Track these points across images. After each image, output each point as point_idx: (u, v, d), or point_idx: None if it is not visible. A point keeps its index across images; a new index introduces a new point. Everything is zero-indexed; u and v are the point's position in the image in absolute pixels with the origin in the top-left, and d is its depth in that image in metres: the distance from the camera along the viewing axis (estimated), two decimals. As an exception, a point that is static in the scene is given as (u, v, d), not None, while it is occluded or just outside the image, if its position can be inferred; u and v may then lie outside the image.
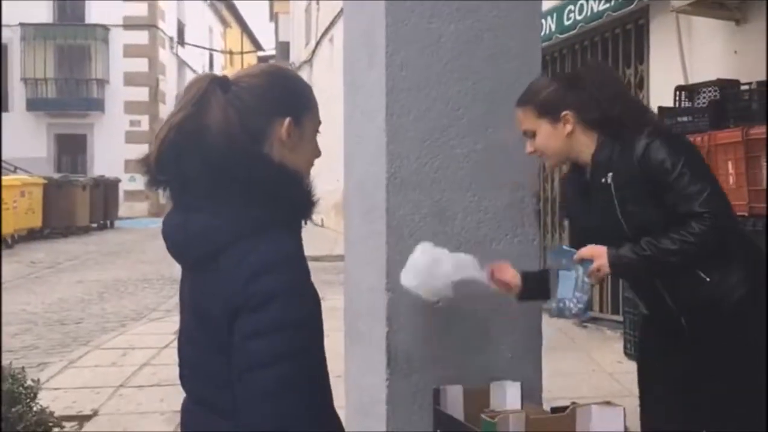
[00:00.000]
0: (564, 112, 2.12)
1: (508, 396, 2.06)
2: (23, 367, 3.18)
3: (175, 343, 1.45)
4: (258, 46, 42.79)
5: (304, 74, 23.34)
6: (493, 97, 2.29)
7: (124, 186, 21.22)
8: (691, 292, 2.02)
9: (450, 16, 2.26)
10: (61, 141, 26.01)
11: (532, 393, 2.16)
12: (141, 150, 1.35)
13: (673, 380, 2.12)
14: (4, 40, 24.74)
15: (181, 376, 1.44)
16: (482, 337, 2.26)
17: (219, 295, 1.27)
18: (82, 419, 4.35)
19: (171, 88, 26.85)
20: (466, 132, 2.26)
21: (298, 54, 26.29)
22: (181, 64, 29.74)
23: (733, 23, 5.14)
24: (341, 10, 3.43)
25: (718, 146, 4.26)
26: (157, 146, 1.31)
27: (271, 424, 1.21)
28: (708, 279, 1.99)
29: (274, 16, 31.32)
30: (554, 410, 1.90)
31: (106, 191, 19.82)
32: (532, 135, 2.16)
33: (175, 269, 1.44)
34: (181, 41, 30.07)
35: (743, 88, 4.58)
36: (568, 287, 2.12)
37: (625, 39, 6.38)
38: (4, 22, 23.32)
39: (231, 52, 37.84)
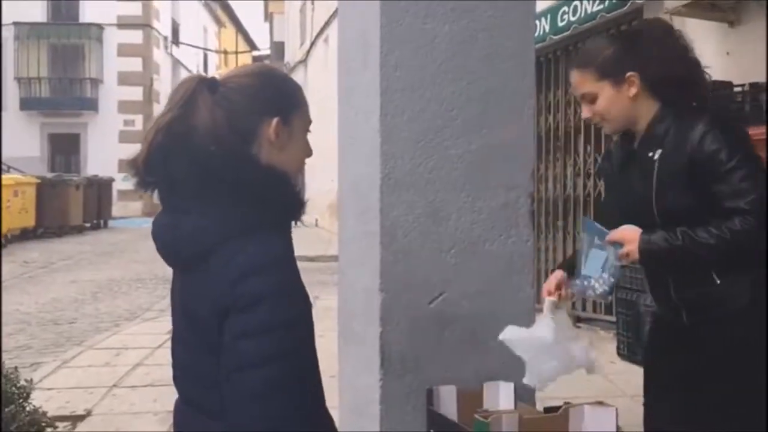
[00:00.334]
0: (629, 73, 2.02)
1: (502, 396, 2.06)
2: (16, 367, 3.17)
3: (169, 344, 1.45)
4: (253, 46, 42.74)
5: (298, 74, 23.35)
6: (488, 97, 2.29)
7: (118, 185, 21.18)
8: (698, 290, 1.98)
9: (444, 16, 2.26)
10: (54, 140, 25.94)
11: (525, 393, 2.16)
12: (135, 149, 1.35)
13: (675, 379, 2.09)
14: (-1, 39, 24.69)
15: (174, 377, 1.44)
16: (476, 337, 2.27)
17: (208, 295, 1.27)
18: (75, 419, 4.34)
19: (165, 87, 26.80)
20: (460, 133, 2.27)
21: (292, 54, 26.28)
22: (176, 63, 29.69)
23: (726, 25, 5.16)
24: (336, 10, 3.44)
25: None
26: (145, 148, 1.31)
27: (260, 425, 1.21)
28: (718, 281, 1.94)
29: (268, 16, 31.30)
30: (547, 410, 1.91)
31: (99, 191, 19.78)
32: (592, 99, 2.06)
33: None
34: (176, 41, 30.02)
35: (736, 89, 4.60)
36: (596, 266, 2.05)
37: (619, 40, 6.39)
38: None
39: (225, 52, 37.79)
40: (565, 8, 6.60)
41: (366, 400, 2.29)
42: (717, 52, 5.22)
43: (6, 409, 2.75)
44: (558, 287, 2.13)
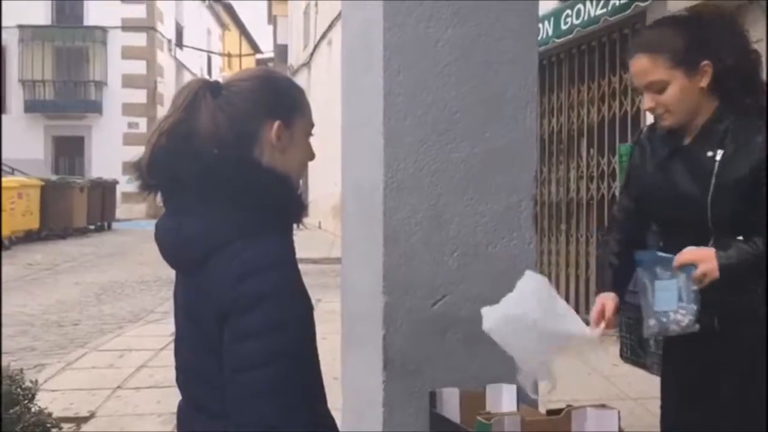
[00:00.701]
0: (704, 62, 1.87)
1: (504, 398, 2.07)
2: (21, 369, 3.19)
3: (172, 346, 1.47)
4: (256, 49, 42.80)
5: (302, 77, 23.38)
6: (490, 101, 2.30)
7: (122, 188, 21.21)
8: (738, 297, 1.89)
9: (447, 20, 2.27)
10: (58, 143, 26.01)
11: (527, 395, 2.17)
12: (139, 152, 1.37)
13: (699, 384, 2.02)
14: (3, 42, 24.75)
15: (177, 378, 1.45)
16: (478, 339, 2.27)
17: (209, 297, 1.29)
18: (79, 421, 4.36)
19: (169, 90, 26.84)
20: (462, 136, 2.27)
21: (296, 57, 26.31)
22: (180, 66, 29.75)
23: (729, 28, 5.16)
24: (339, 13, 3.45)
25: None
26: (148, 150, 1.33)
27: (260, 425, 1.23)
28: (758, 290, 1.88)
29: (272, 19, 31.33)
30: (550, 412, 1.91)
31: (103, 193, 19.83)
32: (660, 89, 1.90)
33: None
34: (180, 43, 30.08)
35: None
36: (670, 297, 1.85)
37: (622, 43, 6.39)
38: (2, 24, 23.34)
39: (229, 55, 37.86)
40: (569, 11, 6.61)
41: (369, 402, 2.29)
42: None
43: (11, 410, 2.77)
44: (615, 311, 2.02)
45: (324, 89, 17.98)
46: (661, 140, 2.04)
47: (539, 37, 6.00)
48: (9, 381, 2.91)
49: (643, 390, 4.63)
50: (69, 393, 4.91)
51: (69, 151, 25.90)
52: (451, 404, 2.03)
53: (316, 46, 21.93)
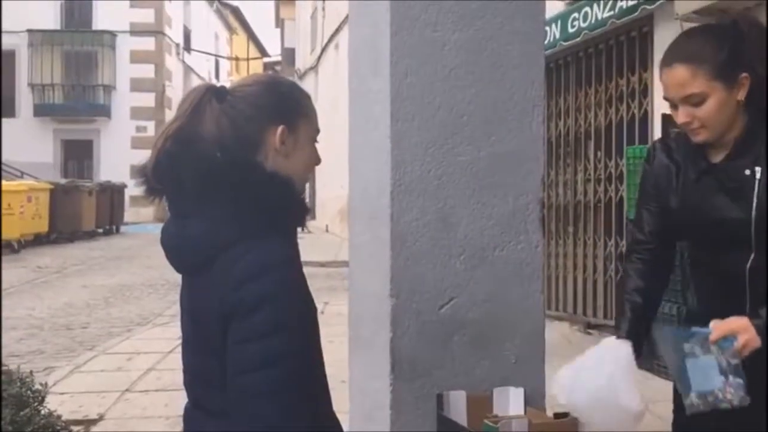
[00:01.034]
0: (743, 74, 1.81)
1: (511, 401, 2.07)
2: (31, 371, 3.20)
3: (180, 348, 1.48)
4: (264, 53, 42.92)
5: (309, 80, 23.42)
6: (498, 104, 2.30)
7: (130, 191, 21.31)
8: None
9: (454, 24, 2.27)
10: (67, 146, 26.14)
11: (535, 398, 2.17)
12: (147, 156, 1.38)
13: None
14: (11, 47, 24.90)
15: (184, 381, 1.47)
16: (486, 342, 2.27)
17: (212, 300, 1.30)
18: (88, 423, 4.38)
19: (177, 94, 26.94)
20: (470, 139, 2.28)
21: (303, 60, 26.38)
22: (188, 70, 29.86)
23: (737, 31, 5.15)
24: (347, 17, 3.46)
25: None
26: (153, 155, 1.34)
27: (261, 426, 1.23)
28: None
29: (279, 23, 31.43)
30: (557, 416, 1.92)
31: (112, 196, 19.92)
32: (699, 102, 1.81)
33: (182, 274, 1.46)
34: (188, 47, 30.20)
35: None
36: (710, 375, 1.75)
37: (629, 46, 6.39)
38: (12, 28, 23.51)
39: (237, 59, 37.98)
40: (576, 15, 6.60)
41: (376, 404, 2.30)
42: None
43: (21, 413, 2.78)
44: None
45: (331, 93, 18.01)
46: (686, 156, 1.95)
47: (546, 40, 6.00)
48: (19, 383, 2.93)
49: (650, 393, 4.61)
50: (78, 396, 4.93)
51: (78, 155, 26.03)
52: (458, 407, 2.04)
53: (323, 50, 21.98)
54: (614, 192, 6.57)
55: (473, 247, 2.27)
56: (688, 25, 5.46)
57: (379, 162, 2.30)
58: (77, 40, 26.14)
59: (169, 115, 26.33)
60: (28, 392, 2.94)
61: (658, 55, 6.00)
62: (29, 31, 25.44)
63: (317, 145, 1.48)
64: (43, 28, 25.76)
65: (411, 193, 2.23)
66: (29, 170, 20.64)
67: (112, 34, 26.28)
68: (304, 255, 1.40)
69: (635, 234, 2.11)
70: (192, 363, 1.42)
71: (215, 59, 35.00)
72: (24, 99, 25.96)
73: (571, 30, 6.66)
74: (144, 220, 23.23)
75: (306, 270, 1.38)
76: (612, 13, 6.06)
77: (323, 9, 21.93)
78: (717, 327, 1.75)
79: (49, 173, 22.09)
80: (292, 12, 28.55)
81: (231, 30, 38.40)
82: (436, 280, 2.24)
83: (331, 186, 17.14)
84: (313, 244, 14.36)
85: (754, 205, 1.81)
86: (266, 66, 36.55)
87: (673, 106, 1.89)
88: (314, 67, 23.80)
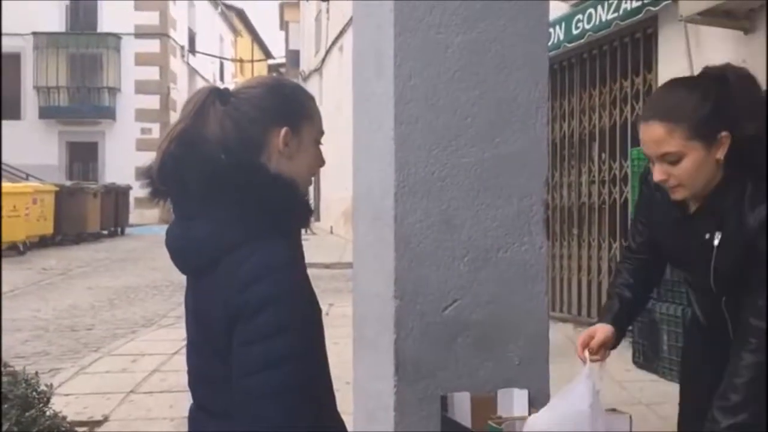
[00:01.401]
0: (723, 133, 1.74)
1: (515, 402, 2.07)
2: (36, 372, 3.21)
3: (185, 350, 1.48)
4: (268, 55, 42.99)
5: (313, 83, 23.45)
6: (501, 106, 2.31)
7: (135, 193, 21.34)
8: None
9: (457, 26, 2.28)
10: (72, 148, 26.20)
11: (539, 400, 2.17)
12: (151, 158, 1.39)
13: (714, 386, 1.94)
14: (16, 49, 24.99)
15: (189, 382, 1.47)
16: (489, 343, 2.28)
17: (217, 301, 1.30)
18: (93, 424, 4.39)
19: (182, 96, 26.99)
20: (473, 141, 2.28)
21: (307, 62, 26.41)
22: (192, 72, 29.92)
23: (741, 33, 5.14)
24: (351, 19, 3.46)
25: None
26: (158, 156, 1.35)
27: (265, 427, 1.24)
28: None
29: (284, 25, 31.48)
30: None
31: (117, 198, 19.96)
32: (676, 160, 1.76)
33: (187, 276, 1.47)
34: (192, 50, 30.26)
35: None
36: None
37: (633, 48, 6.39)
38: (17, 31, 23.59)
39: (241, 61, 38.04)
40: (580, 16, 6.60)
41: (380, 406, 2.30)
42: (733, 60, 5.18)
43: (27, 414, 2.79)
44: (603, 345, 1.95)
45: (335, 94, 18.02)
46: (667, 196, 1.93)
47: (550, 42, 6.00)
48: (24, 385, 2.94)
49: (655, 395, 4.61)
50: (83, 397, 4.95)
51: (83, 157, 26.09)
52: (462, 408, 2.04)
53: (327, 52, 22.01)
54: (618, 194, 6.56)
55: (477, 249, 2.27)
56: (692, 27, 5.47)
57: (383, 164, 2.30)
58: (82, 43, 26.21)
59: (174, 117, 26.45)
60: (34, 393, 2.95)
61: (662, 57, 6.01)
62: (34, 33, 25.52)
63: (321, 147, 1.48)
64: (48, 31, 25.83)
65: (415, 194, 2.24)
66: (34, 172, 20.69)
67: (117, 37, 26.34)
68: (309, 256, 1.41)
69: (629, 242, 2.16)
70: (196, 364, 1.43)
71: (220, 61, 35.06)
72: (29, 101, 26.03)
73: (575, 32, 6.66)
74: (149, 221, 23.27)
75: (310, 271, 1.38)
76: (616, 14, 6.06)
77: (327, 11, 21.96)
78: None
79: (54, 175, 22.14)
80: (296, 14, 28.59)
81: (235, 32, 38.45)
82: (440, 281, 2.24)
83: (336, 188, 17.15)
84: (318, 246, 14.38)
85: (712, 268, 1.82)
86: (270, 68, 36.57)
87: (651, 161, 1.85)
88: (318, 69, 23.83)
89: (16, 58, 25.28)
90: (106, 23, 26.50)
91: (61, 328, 7.71)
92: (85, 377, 5.54)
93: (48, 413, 2.99)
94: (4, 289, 7.95)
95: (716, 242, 1.79)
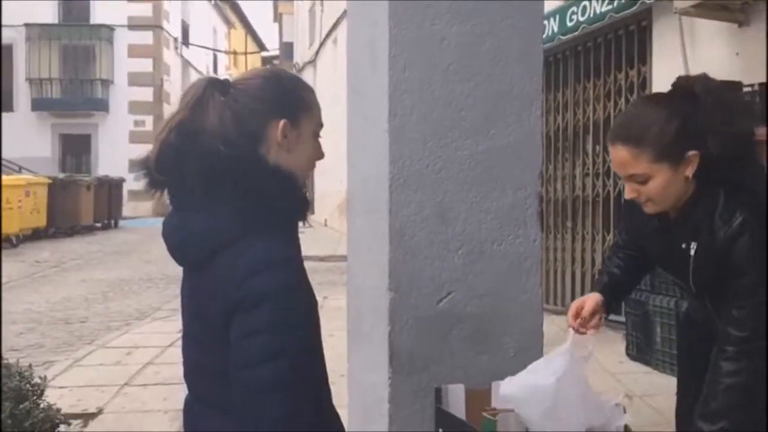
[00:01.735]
0: (690, 153, 1.75)
1: (510, 395, 2.08)
2: (30, 365, 3.21)
3: (179, 343, 1.48)
4: (262, 47, 42.83)
5: (307, 75, 23.38)
6: (496, 98, 2.31)
7: (129, 185, 21.28)
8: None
9: (452, 18, 2.27)
10: (65, 141, 26.08)
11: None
12: (145, 150, 1.37)
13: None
14: (9, 41, 24.83)
15: (184, 374, 1.47)
16: (484, 336, 2.28)
17: (215, 294, 1.30)
18: (87, 417, 4.38)
19: (175, 88, 26.91)
20: (468, 133, 2.28)
21: (301, 55, 26.32)
22: (186, 64, 29.79)
23: (735, 25, 5.15)
24: (345, 11, 3.45)
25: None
26: (156, 146, 1.34)
27: (266, 421, 1.24)
28: None
29: (278, 17, 31.34)
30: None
31: (110, 191, 19.89)
32: (643, 181, 1.78)
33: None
34: (186, 42, 30.12)
35: (745, 89, 4.60)
36: None
37: (627, 40, 6.39)
38: (9, 22, 23.44)
39: (235, 53, 37.91)
40: (574, 8, 6.59)
41: (375, 398, 2.30)
42: (727, 53, 5.22)
43: (21, 406, 2.79)
44: (593, 313, 1.98)
45: (329, 87, 17.97)
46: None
47: (545, 35, 5.99)
48: (18, 377, 2.94)
49: (648, 387, 4.63)
50: (77, 389, 4.94)
51: (76, 149, 25.98)
52: (456, 401, 2.04)
53: (321, 44, 21.93)
54: (612, 186, 6.58)
55: (472, 241, 2.27)
56: (686, 19, 5.48)
57: (377, 156, 2.30)
58: (75, 34, 26.05)
59: (168, 109, 26.29)
60: (27, 386, 2.95)
61: (656, 50, 6.01)
62: (27, 25, 25.34)
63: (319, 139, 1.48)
64: (41, 22, 25.68)
65: (409, 187, 2.24)
66: (27, 165, 20.61)
67: (110, 28, 26.19)
68: (304, 249, 1.40)
69: (617, 238, 2.22)
70: (192, 357, 1.43)
71: (213, 53, 34.91)
72: (22, 93, 25.88)
73: (569, 24, 6.65)
74: (142, 214, 23.21)
75: (306, 264, 1.38)
76: (610, 7, 6.06)
77: (321, 3, 21.88)
78: None
79: (47, 168, 22.05)
80: (290, 6, 28.47)
81: (229, 24, 38.29)
82: (434, 274, 2.24)
83: (330, 180, 17.13)
84: (313, 239, 14.37)
85: (690, 277, 1.87)
86: (264, 60, 36.48)
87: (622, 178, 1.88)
88: (312, 62, 23.75)
89: (8, 49, 25.11)
90: (99, 15, 26.34)
91: (54, 320, 7.69)
92: (79, 370, 5.53)
93: (42, 405, 2.99)
94: (-3, 281, 7.94)
95: (692, 252, 1.83)
